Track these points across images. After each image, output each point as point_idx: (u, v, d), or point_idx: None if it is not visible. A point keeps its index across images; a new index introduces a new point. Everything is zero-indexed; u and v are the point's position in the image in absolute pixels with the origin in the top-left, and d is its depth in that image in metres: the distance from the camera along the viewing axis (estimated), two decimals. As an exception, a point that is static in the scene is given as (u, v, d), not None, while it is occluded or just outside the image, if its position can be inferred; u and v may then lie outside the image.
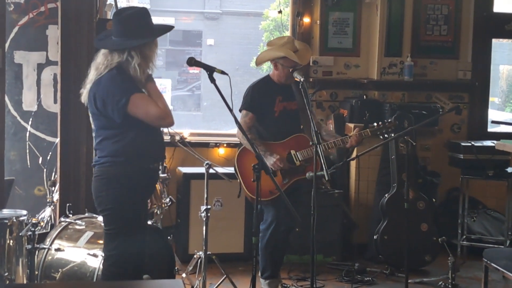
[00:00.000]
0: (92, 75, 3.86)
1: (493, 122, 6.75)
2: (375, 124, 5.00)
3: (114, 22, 3.89)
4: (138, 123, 3.79)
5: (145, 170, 3.88)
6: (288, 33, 6.85)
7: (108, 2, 6.33)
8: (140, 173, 3.85)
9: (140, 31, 3.82)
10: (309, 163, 4.93)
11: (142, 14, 3.88)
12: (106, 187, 3.82)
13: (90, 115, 3.98)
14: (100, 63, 3.84)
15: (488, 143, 6.25)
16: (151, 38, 3.84)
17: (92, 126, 3.97)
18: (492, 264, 4.53)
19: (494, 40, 7.10)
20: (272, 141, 5.01)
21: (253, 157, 3.87)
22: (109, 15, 6.27)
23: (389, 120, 5.03)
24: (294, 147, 5.00)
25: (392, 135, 4.99)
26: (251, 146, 3.92)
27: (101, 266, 4.16)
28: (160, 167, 4.49)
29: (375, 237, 5.89)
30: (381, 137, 5.01)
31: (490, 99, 7.21)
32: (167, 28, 4.10)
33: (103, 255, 3.99)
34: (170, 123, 3.85)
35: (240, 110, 5.05)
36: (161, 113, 3.76)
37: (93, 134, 3.95)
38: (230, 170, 5.17)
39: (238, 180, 5.02)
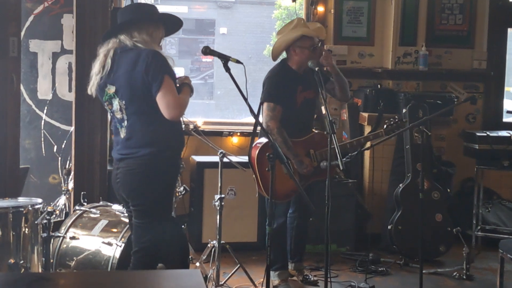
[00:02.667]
0: (101, 65, 3.80)
1: (508, 112, 6.71)
2: (387, 121, 4.94)
3: (118, 16, 3.93)
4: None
5: (176, 160, 3.89)
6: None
7: (122, -9, 6.34)
8: (172, 164, 3.85)
9: (141, 14, 3.84)
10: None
11: (130, 7, 3.96)
12: (145, 181, 3.75)
13: (119, 104, 3.80)
14: (108, 49, 3.81)
15: (504, 133, 6.21)
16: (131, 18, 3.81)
17: (120, 116, 3.81)
18: (508, 255, 4.50)
19: (510, 30, 7.04)
20: (292, 138, 4.89)
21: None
22: (124, 4, 6.28)
23: (401, 120, 4.97)
24: (314, 146, 4.94)
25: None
26: (266, 137, 3.89)
27: (116, 255, 4.18)
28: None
29: (389, 227, 5.88)
30: (393, 136, 4.98)
31: (506, 89, 7.15)
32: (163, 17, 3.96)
33: (134, 247, 3.93)
34: (178, 116, 3.73)
35: (261, 102, 4.88)
36: (178, 101, 3.69)
37: (122, 124, 3.84)
38: (244, 159, 5.14)
39: (254, 177, 4.85)
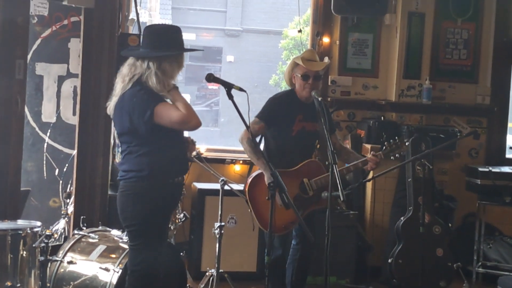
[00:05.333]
0: (118, 88, 3.91)
1: (511, 148, 6.71)
2: (386, 143, 4.89)
3: (144, 34, 3.97)
4: (161, 136, 3.83)
5: (170, 184, 3.91)
6: (307, 52, 6.86)
7: (130, 17, 6.39)
8: (165, 187, 3.88)
9: (163, 44, 3.86)
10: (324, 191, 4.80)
11: (172, 30, 3.96)
12: (132, 202, 3.85)
13: (115, 129, 4.00)
14: (125, 74, 3.90)
15: (506, 169, 6.20)
16: (170, 52, 3.86)
17: (117, 141, 3.99)
18: (507, 292, 4.47)
19: (514, 66, 7.06)
20: (284, 168, 4.78)
21: (266, 187, 3.80)
22: (131, 30, 6.33)
23: (401, 141, 4.91)
24: (307, 174, 4.84)
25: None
26: (267, 165, 3.89)
27: (113, 281, 4.16)
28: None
29: (389, 260, 5.83)
30: (393, 158, 4.91)
31: (509, 124, 7.15)
32: (191, 49, 4.15)
33: (128, 270, 3.95)
34: (196, 125, 3.81)
35: (256, 116, 4.90)
36: (183, 117, 3.76)
37: (118, 150, 3.98)
38: (245, 187, 5.14)
39: (249, 211, 4.84)
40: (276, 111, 4.91)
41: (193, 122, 3.79)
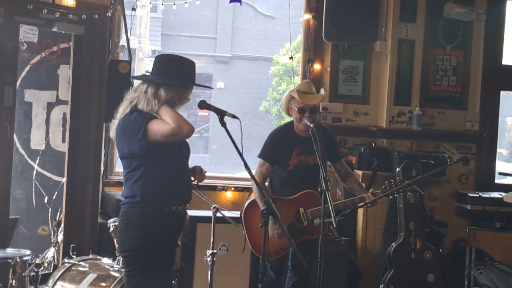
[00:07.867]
0: (120, 111, 3.95)
1: (500, 173, 6.73)
2: (386, 183, 4.90)
3: (154, 61, 4.02)
4: (157, 162, 3.82)
5: (165, 212, 3.87)
6: (298, 79, 6.87)
7: (120, 44, 6.39)
8: (159, 215, 3.84)
9: (170, 73, 3.88)
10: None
11: (181, 61, 3.98)
12: (125, 228, 3.85)
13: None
14: (127, 98, 3.94)
15: (496, 194, 6.22)
16: (171, 81, 3.87)
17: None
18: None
19: (502, 92, 7.09)
20: (282, 196, 4.89)
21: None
22: (121, 56, 6.32)
23: (402, 181, 4.91)
24: (303, 204, 4.86)
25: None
26: (260, 192, 3.89)
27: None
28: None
29: (381, 286, 5.82)
30: (391, 197, 4.93)
31: (498, 150, 7.18)
32: (198, 84, 4.08)
33: None
34: (188, 132, 3.80)
35: (258, 156, 4.98)
36: (172, 129, 3.75)
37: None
38: (237, 214, 5.12)
39: (243, 233, 4.91)
40: (274, 148, 4.95)
41: (185, 131, 3.78)
